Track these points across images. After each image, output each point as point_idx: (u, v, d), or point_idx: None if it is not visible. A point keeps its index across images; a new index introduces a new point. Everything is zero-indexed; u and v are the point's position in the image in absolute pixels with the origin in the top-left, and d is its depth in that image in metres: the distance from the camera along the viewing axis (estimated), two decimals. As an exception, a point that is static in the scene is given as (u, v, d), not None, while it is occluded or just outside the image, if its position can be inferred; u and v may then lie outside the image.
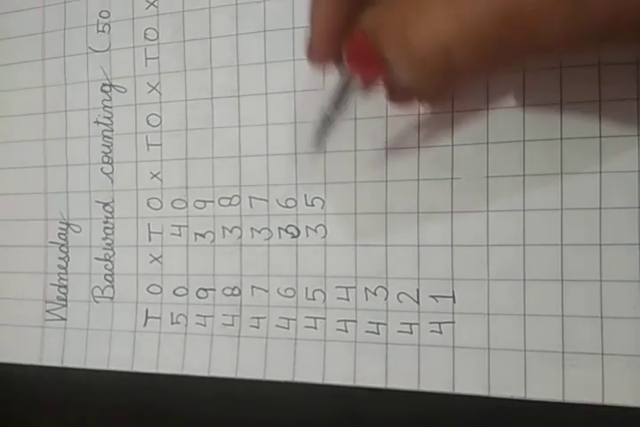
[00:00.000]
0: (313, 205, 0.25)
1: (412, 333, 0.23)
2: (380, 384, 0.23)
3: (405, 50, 0.15)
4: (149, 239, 0.27)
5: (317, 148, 0.22)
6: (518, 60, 0.15)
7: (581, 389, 0.21)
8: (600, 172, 0.21)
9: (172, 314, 0.27)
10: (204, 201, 0.26)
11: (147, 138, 0.27)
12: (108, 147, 0.28)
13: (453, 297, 0.23)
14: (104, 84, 0.28)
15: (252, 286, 0.25)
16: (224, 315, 0.26)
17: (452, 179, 0.23)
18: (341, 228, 0.24)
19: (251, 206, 0.26)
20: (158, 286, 0.27)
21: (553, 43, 0.14)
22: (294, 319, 0.25)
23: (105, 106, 0.28)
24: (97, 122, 0.28)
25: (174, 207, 0.27)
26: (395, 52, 0.15)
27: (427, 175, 0.23)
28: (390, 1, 0.16)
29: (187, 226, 0.27)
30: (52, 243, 0.29)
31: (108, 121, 0.28)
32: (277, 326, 0.25)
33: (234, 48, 0.26)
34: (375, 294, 0.24)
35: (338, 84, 0.19)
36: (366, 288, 0.24)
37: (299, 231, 0.25)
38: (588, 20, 0.13)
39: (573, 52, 0.16)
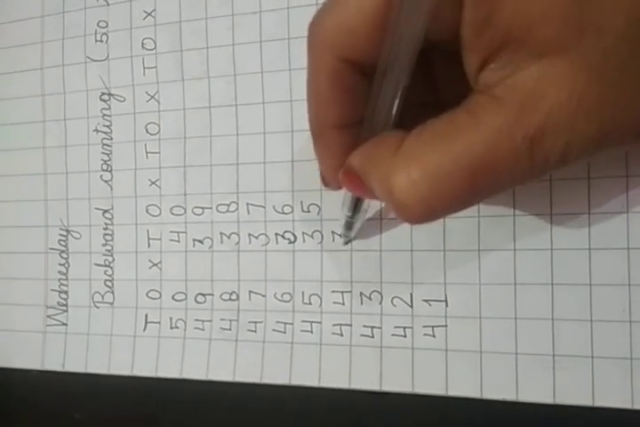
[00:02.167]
0: (309, 212, 0.25)
1: (405, 336, 0.24)
2: (374, 387, 0.24)
3: (388, 196, 0.16)
4: (148, 245, 0.28)
5: (347, 240, 0.25)
6: (488, 197, 0.16)
7: (572, 391, 0.22)
8: (589, 178, 0.22)
9: (170, 319, 0.27)
10: (202, 208, 0.27)
11: (145, 146, 0.28)
12: (108, 155, 0.28)
13: (446, 301, 0.23)
14: (103, 93, 0.28)
15: (250, 291, 0.26)
16: (222, 319, 0.26)
17: (445, 185, 0.23)
18: (337, 234, 0.25)
19: (248, 213, 0.26)
20: (157, 292, 0.27)
21: (515, 183, 0.16)
22: (291, 323, 0.25)
23: (104, 114, 0.28)
24: (96, 130, 0.28)
25: (173, 214, 0.27)
26: (382, 196, 0.17)
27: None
28: (373, 144, 0.17)
29: (185, 232, 0.27)
30: (53, 249, 0.29)
31: (107, 129, 0.28)
32: (274, 330, 0.25)
33: (231, 58, 0.26)
34: (370, 298, 0.24)
35: (351, 195, 0.21)
36: (361, 293, 0.24)
37: (295, 237, 0.25)
38: (542, 165, 0.15)
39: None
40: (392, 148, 0.16)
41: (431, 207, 0.16)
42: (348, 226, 0.23)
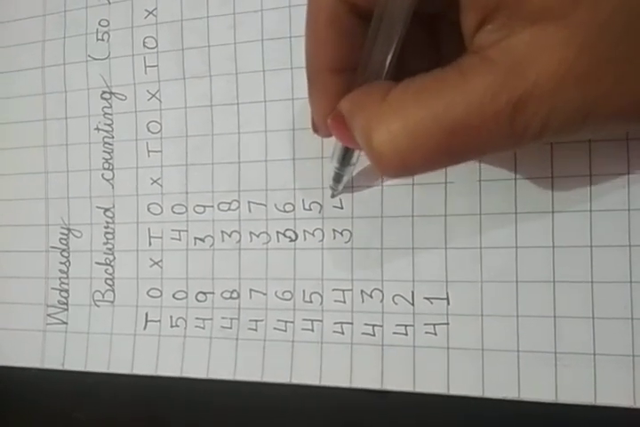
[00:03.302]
0: (310, 210, 0.25)
1: (407, 334, 0.24)
2: (375, 386, 0.24)
3: (368, 147, 0.16)
4: (149, 244, 0.28)
5: (336, 192, 0.25)
6: (466, 160, 0.16)
7: (574, 389, 0.22)
8: (590, 175, 0.22)
9: (171, 317, 0.27)
10: (204, 206, 0.27)
11: (147, 144, 0.28)
12: (109, 153, 0.28)
13: (447, 299, 0.23)
14: (104, 92, 0.28)
15: (251, 290, 0.26)
16: (223, 318, 0.26)
17: (446, 183, 0.23)
18: (338, 231, 0.25)
19: (249, 211, 0.26)
20: (158, 290, 0.27)
21: (493, 149, 0.16)
22: (292, 322, 0.25)
23: (105, 113, 0.28)
24: (97, 129, 0.28)
25: (174, 212, 0.27)
26: (362, 144, 0.17)
27: (421, 180, 0.24)
28: (362, 91, 0.17)
29: (186, 230, 0.27)
30: (54, 248, 0.29)
31: (108, 128, 0.28)
32: (275, 328, 0.25)
33: (232, 56, 0.26)
34: (371, 296, 0.24)
35: (341, 145, 0.21)
36: (362, 291, 0.24)
37: (296, 235, 0.25)
38: (522, 132, 0.15)
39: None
40: (379, 96, 0.16)
41: (406, 161, 0.16)
42: (337, 178, 0.23)
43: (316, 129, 0.21)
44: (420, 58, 0.18)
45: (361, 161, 0.24)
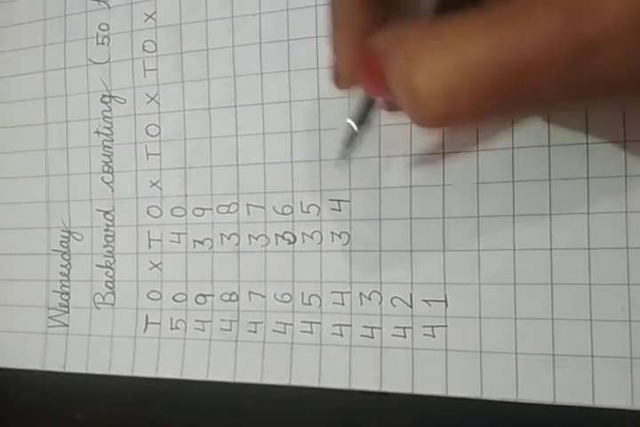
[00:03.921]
0: (309, 212, 0.25)
1: (405, 336, 0.24)
2: (374, 387, 0.24)
3: (408, 88, 0.14)
4: (149, 246, 0.28)
5: (344, 158, 0.22)
6: (518, 110, 0.15)
7: (572, 391, 0.22)
8: (587, 177, 0.22)
9: (171, 320, 0.27)
10: (203, 209, 0.27)
11: (146, 147, 0.28)
12: (109, 156, 0.28)
13: (446, 301, 0.23)
14: (104, 95, 0.29)
15: (250, 292, 0.26)
16: (222, 320, 0.26)
17: (444, 185, 0.23)
18: (336, 234, 0.25)
19: (248, 214, 0.26)
20: (158, 293, 0.27)
21: (550, 101, 0.14)
22: (291, 324, 0.25)
23: (105, 116, 0.29)
24: (97, 132, 0.29)
25: (173, 215, 0.27)
26: (400, 86, 0.15)
27: (419, 182, 0.24)
28: (402, 28, 0.15)
29: (186, 233, 0.27)
30: (54, 251, 0.29)
31: (108, 131, 0.28)
32: (274, 330, 0.25)
33: (230, 59, 0.27)
34: (370, 298, 0.24)
35: (361, 100, 0.19)
36: (361, 293, 0.24)
37: (295, 238, 0.25)
38: (585, 83, 0.13)
39: (570, 106, 0.15)
40: (423, 31, 0.14)
41: (452, 104, 0.14)
42: (350, 141, 0.21)
43: (337, 77, 0.19)
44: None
45: (362, 166, 0.24)
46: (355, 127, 0.20)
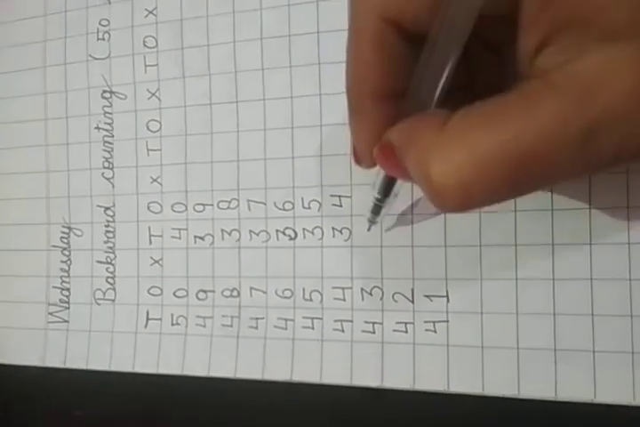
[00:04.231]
0: (310, 208, 0.25)
1: (407, 332, 0.24)
2: (376, 383, 0.24)
3: (426, 180, 0.15)
4: (150, 242, 0.28)
5: (372, 223, 0.24)
6: (531, 190, 0.15)
7: (573, 386, 0.22)
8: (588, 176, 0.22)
9: (172, 315, 0.27)
10: (204, 204, 0.27)
11: (147, 143, 0.28)
12: (109, 152, 0.28)
13: (447, 297, 0.23)
14: (104, 91, 0.29)
15: (251, 288, 0.26)
16: (223, 316, 0.26)
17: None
18: (337, 230, 0.25)
19: (249, 209, 0.26)
20: (159, 288, 0.27)
21: (562, 178, 0.15)
22: (292, 320, 0.25)
23: (105, 112, 0.28)
24: (98, 128, 0.29)
25: (174, 211, 0.27)
26: (417, 177, 0.16)
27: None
28: (415, 120, 0.16)
29: (186, 229, 0.27)
30: (55, 247, 0.29)
31: (108, 127, 0.28)
32: (275, 326, 0.25)
33: (231, 55, 0.26)
34: (371, 294, 0.24)
35: (384, 175, 0.20)
36: (362, 289, 0.24)
37: (296, 233, 0.25)
38: (595, 159, 0.14)
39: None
40: (435, 126, 0.15)
41: (470, 194, 0.14)
42: (376, 210, 0.22)
43: (357, 159, 0.20)
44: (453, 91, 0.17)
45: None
46: (379, 199, 0.21)
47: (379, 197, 0.21)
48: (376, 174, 0.20)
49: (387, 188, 0.20)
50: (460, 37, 0.15)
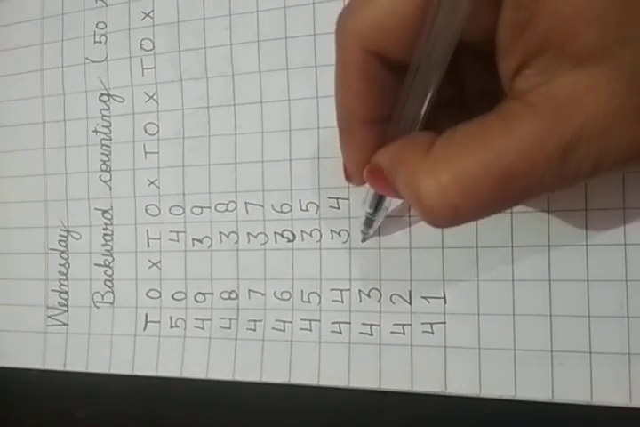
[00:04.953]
0: (307, 210, 0.25)
1: (404, 333, 0.24)
2: (373, 385, 0.24)
3: (417, 201, 0.16)
4: (148, 245, 0.28)
5: (366, 236, 0.24)
6: (517, 203, 0.16)
7: (570, 388, 0.22)
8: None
9: (170, 318, 0.27)
10: (201, 207, 0.27)
11: (144, 146, 0.28)
12: (107, 155, 0.28)
13: (444, 298, 0.23)
14: (102, 94, 0.29)
15: (249, 290, 0.26)
16: (222, 318, 0.26)
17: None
18: (335, 232, 0.25)
19: (247, 212, 0.26)
20: (157, 291, 0.27)
21: (545, 191, 0.15)
22: (290, 322, 0.25)
23: (103, 115, 0.29)
24: (95, 131, 0.29)
25: (172, 213, 0.27)
26: (408, 198, 0.16)
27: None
28: (402, 143, 0.17)
29: (184, 232, 0.27)
30: (53, 250, 0.29)
31: (106, 130, 0.28)
32: (273, 328, 0.26)
33: (229, 58, 0.27)
34: (369, 295, 0.24)
35: (374, 192, 0.21)
36: (360, 290, 0.24)
37: (294, 236, 0.26)
38: (573, 174, 0.15)
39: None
40: (421, 149, 0.16)
41: (459, 213, 0.15)
42: (368, 223, 0.23)
43: (348, 178, 0.21)
44: (440, 90, 0.17)
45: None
46: (371, 213, 0.22)
47: (370, 211, 0.22)
48: (366, 191, 0.21)
49: (377, 203, 0.21)
50: (438, 66, 0.16)
